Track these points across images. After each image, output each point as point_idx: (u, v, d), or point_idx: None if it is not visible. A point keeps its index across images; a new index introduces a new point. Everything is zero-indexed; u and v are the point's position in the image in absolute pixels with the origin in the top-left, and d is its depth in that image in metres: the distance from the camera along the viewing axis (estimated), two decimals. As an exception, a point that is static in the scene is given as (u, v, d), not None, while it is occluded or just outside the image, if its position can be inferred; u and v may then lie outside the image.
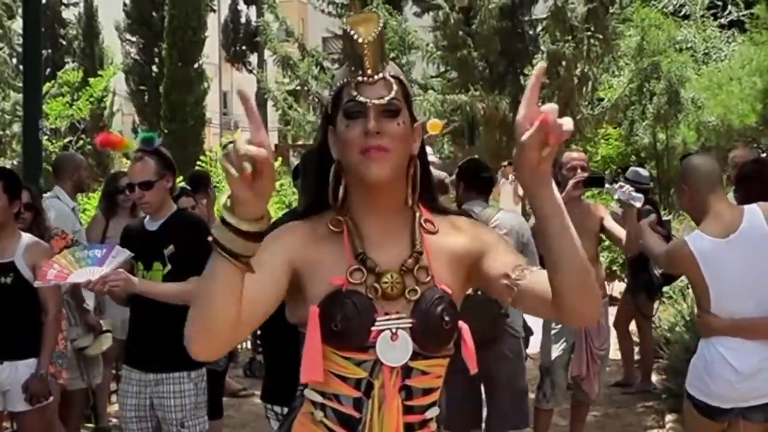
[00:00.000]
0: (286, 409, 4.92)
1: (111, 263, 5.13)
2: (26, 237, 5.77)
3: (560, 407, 7.32)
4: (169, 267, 5.26)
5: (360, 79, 2.41)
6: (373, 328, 2.40)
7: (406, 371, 2.43)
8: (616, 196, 6.64)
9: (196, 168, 13.71)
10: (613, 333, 8.52)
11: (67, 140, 21.34)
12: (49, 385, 5.72)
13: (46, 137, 21.42)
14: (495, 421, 6.29)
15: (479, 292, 5.87)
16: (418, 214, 2.53)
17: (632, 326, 9.90)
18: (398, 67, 2.59)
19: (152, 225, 5.39)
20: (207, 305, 2.14)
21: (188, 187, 7.97)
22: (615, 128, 23.96)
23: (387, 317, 2.42)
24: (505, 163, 13.32)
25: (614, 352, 8.57)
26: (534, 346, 7.16)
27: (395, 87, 2.43)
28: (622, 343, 9.77)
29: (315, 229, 2.50)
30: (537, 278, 2.41)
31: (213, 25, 37.83)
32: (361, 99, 2.39)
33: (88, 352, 7.19)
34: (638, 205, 6.85)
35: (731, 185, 7.10)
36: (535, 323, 6.89)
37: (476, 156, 10.38)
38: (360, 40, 2.35)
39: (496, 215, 6.32)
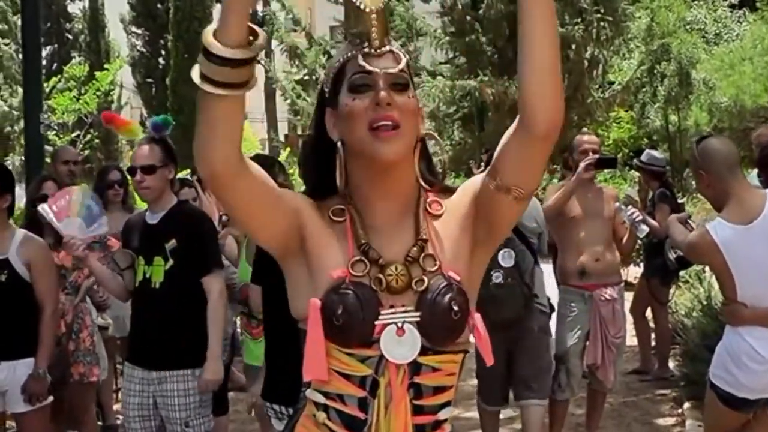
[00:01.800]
0: (284, 408, 4.86)
1: (93, 230, 5.52)
2: (20, 233, 5.61)
3: (575, 396, 7.15)
4: (171, 262, 5.17)
5: (367, 50, 2.27)
6: (377, 323, 2.23)
7: (415, 368, 2.26)
8: (624, 218, 6.68)
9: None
10: (630, 319, 8.37)
11: (74, 135, 21.23)
12: (47, 385, 5.57)
13: (53, 132, 21.36)
14: (521, 391, 6.43)
15: (509, 279, 6.23)
16: (422, 198, 2.38)
17: (649, 312, 9.72)
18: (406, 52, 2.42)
19: (153, 218, 5.30)
20: (210, 131, 2.10)
21: (189, 179, 7.83)
22: (626, 111, 23.86)
23: (392, 310, 2.25)
24: (485, 150, 13.17)
25: (631, 339, 8.42)
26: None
27: (403, 59, 2.30)
28: (638, 329, 9.63)
29: (322, 216, 2.35)
30: (500, 154, 2.28)
31: (220, 17, 37.74)
32: (370, 68, 2.24)
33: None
34: (642, 236, 6.84)
35: (753, 166, 6.93)
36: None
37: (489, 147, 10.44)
38: (367, 10, 2.22)
39: None
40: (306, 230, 2.31)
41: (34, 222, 6.19)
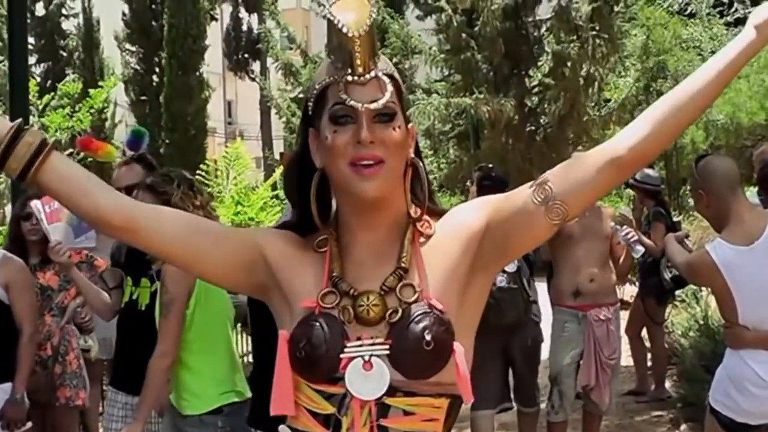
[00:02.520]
0: None
1: (80, 242, 5.47)
2: (-1, 253, 5.48)
3: (569, 417, 7.03)
4: (157, 284, 5.00)
5: (349, 78, 2.07)
6: (342, 356, 2.04)
7: (382, 409, 2.05)
8: (619, 239, 6.59)
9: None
10: (625, 339, 8.26)
11: (67, 153, 21.11)
12: (26, 410, 5.42)
13: (46, 150, 21.28)
14: (524, 398, 6.87)
15: (512, 283, 6.30)
16: (411, 224, 2.19)
17: (644, 332, 9.61)
18: (394, 67, 2.25)
19: None
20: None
21: None
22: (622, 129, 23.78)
23: (359, 342, 2.06)
24: (477, 167, 13.15)
25: (626, 359, 8.30)
26: (543, 353, 6.92)
27: (389, 87, 2.10)
28: (633, 349, 9.51)
29: (306, 246, 2.21)
30: (562, 172, 2.17)
31: (216, 35, 37.77)
32: (352, 103, 2.05)
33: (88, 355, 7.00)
34: (637, 256, 6.76)
35: (751, 184, 6.84)
36: (545, 327, 6.81)
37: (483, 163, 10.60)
38: (350, 34, 2.01)
39: None
40: (272, 262, 2.19)
41: (17, 241, 6.05)
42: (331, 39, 2.08)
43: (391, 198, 2.15)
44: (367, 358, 2.05)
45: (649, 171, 9.71)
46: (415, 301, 2.08)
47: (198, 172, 18.22)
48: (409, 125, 2.19)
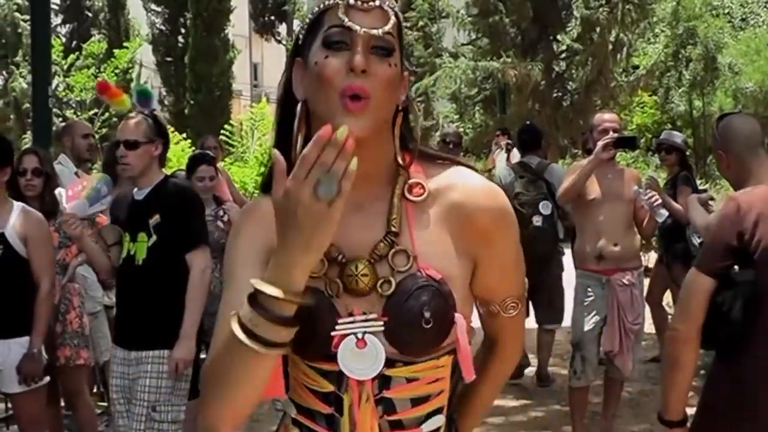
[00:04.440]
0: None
1: (94, 208, 5.58)
2: (18, 206, 5.43)
3: (592, 383, 6.95)
4: (154, 238, 5.01)
5: (351, 2, 1.89)
6: (333, 333, 1.90)
7: (383, 381, 1.93)
8: (642, 203, 6.43)
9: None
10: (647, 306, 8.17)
11: (92, 112, 21.15)
12: (43, 365, 5.39)
13: (71, 110, 21.31)
14: (551, 315, 8.62)
15: (546, 224, 7.76)
16: (401, 179, 2.00)
17: (667, 298, 9.51)
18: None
19: (139, 194, 5.18)
20: (234, 392, 1.77)
21: (210, 154, 7.60)
22: (650, 96, 23.64)
23: (351, 319, 1.90)
24: (498, 132, 13.12)
25: (649, 326, 8.21)
26: (566, 320, 6.86)
27: (392, 20, 1.91)
28: (655, 316, 9.40)
29: None
30: (508, 324, 2.17)
31: (243, -1, 37.63)
32: (350, 24, 1.87)
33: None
34: (660, 220, 6.60)
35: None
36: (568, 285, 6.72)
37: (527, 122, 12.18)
38: None
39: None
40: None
41: (17, 197, 5.91)
42: None
43: (377, 143, 1.94)
44: (360, 335, 1.91)
45: (674, 132, 9.63)
46: (409, 270, 1.93)
47: (222, 132, 18.24)
48: (405, 73, 2.01)
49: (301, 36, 2.00)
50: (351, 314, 1.91)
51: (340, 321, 1.90)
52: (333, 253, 1.91)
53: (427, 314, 1.88)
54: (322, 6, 1.93)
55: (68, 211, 5.40)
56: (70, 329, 6.20)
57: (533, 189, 8.28)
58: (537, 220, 7.96)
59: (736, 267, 3.46)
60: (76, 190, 5.55)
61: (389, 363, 1.91)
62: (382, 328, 1.90)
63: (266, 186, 1.99)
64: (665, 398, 3.74)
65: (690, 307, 3.43)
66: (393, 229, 1.95)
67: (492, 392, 2.32)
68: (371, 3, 1.90)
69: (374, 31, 1.88)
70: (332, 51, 1.88)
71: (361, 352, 1.89)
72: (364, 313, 1.91)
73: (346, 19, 1.87)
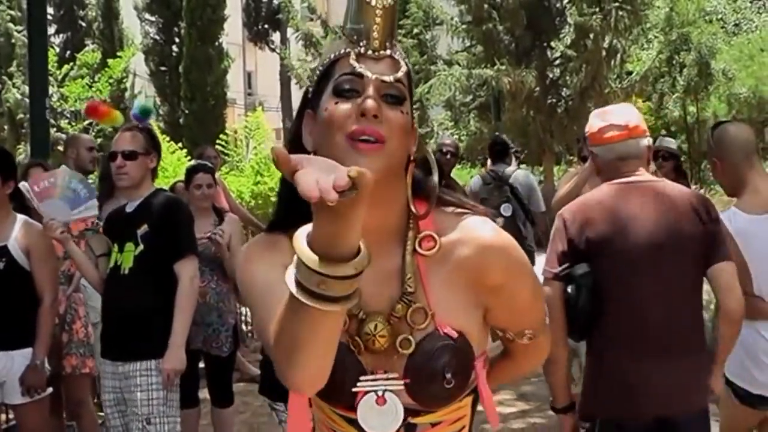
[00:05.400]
0: (282, 405, 4.72)
1: (79, 212, 5.42)
2: (21, 219, 5.47)
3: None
4: (141, 247, 5.03)
5: (363, 50, 1.88)
6: (355, 390, 1.93)
7: (409, 428, 1.97)
8: None
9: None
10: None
11: (86, 123, 21.13)
12: (45, 376, 5.43)
13: (65, 120, 21.30)
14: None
15: (510, 227, 7.31)
16: (411, 233, 1.97)
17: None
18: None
19: (130, 207, 5.20)
20: (312, 355, 1.64)
21: (208, 164, 7.62)
22: (644, 101, 23.67)
23: (373, 377, 1.94)
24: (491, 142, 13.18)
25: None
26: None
27: (403, 68, 1.90)
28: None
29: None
30: (524, 347, 2.22)
31: (236, 5, 37.58)
32: (361, 71, 1.85)
33: None
34: None
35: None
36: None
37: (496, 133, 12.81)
38: (373, 3, 1.84)
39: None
40: None
41: (20, 209, 5.96)
42: (349, 10, 1.92)
43: (388, 191, 1.91)
44: (380, 393, 1.94)
45: (667, 138, 9.69)
46: (428, 327, 1.94)
47: (218, 141, 18.25)
48: (414, 125, 1.98)
49: (311, 89, 1.99)
50: (373, 372, 1.94)
51: (362, 378, 1.94)
52: (352, 309, 1.84)
53: (448, 375, 1.91)
54: (333, 56, 1.93)
55: (43, 210, 5.37)
56: (76, 338, 6.27)
57: (498, 193, 9.21)
58: (498, 222, 7.64)
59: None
60: (44, 186, 5.43)
61: (414, 413, 1.96)
62: (402, 387, 1.93)
63: (272, 225, 2.02)
64: (552, 391, 4.25)
65: (552, 313, 3.60)
66: (409, 289, 1.94)
67: (506, 379, 2.43)
68: (382, 51, 1.90)
69: (386, 78, 1.87)
70: (343, 98, 1.87)
71: (381, 409, 1.94)
72: (385, 371, 1.94)
73: (358, 66, 1.87)
